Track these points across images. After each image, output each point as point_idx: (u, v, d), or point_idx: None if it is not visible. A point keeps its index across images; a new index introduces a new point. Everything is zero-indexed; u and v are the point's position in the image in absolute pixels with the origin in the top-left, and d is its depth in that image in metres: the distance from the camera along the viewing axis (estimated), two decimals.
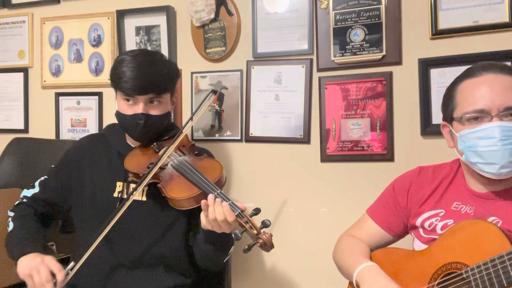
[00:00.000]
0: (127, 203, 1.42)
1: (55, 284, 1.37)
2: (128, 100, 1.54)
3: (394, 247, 1.43)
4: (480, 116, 1.19)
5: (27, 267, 1.39)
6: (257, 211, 1.30)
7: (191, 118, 1.56)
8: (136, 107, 1.53)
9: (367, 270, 1.28)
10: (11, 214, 1.59)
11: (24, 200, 1.62)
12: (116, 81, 1.54)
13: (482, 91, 1.20)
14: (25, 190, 1.65)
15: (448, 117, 1.29)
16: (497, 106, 1.18)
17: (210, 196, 1.32)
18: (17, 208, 1.61)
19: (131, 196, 1.44)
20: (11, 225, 1.55)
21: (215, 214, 1.30)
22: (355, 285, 1.30)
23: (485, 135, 1.18)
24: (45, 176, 1.66)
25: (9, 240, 1.53)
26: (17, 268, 1.43)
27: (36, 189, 1.63)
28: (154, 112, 1.55)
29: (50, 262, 1.39)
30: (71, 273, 1.40)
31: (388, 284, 1.22)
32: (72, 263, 1.41)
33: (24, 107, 2.49)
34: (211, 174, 1.45)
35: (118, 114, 1.58)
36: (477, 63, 1.28)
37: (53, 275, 1.37)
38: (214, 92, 1.65)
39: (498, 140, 1.16)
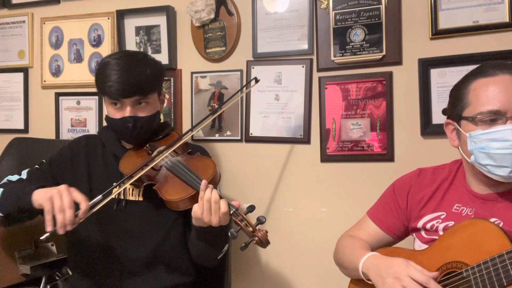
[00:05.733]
0: (109, 197, 1.41)
1: (76, 215, 1.27)
2: (115, 104, 1.53)
3: (395, 247, 1.43)
4: (495, 117, 1.17)
5: (47, 193, 1.30)
6: (251, 208, 1.30)
7: (219, 108, 1.59)
8: (124, 111, 1.52)
9: (370, 260, 1.29)
10: None
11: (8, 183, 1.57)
12: (101, 86, 1.53)
13: (497, 91, 1.17)
14: (9, 176, 1.60)
15: (456, 115, 1.26)
16: None
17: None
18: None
19: (113, 189, 1.42)
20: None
21: (210, 194, 1.31)
22: (363, 277, 1.30)
23: (499, 137, 1.15)
24: (36, 166, 1.63)
25: (9, 193, 1.44)
26: (32, 197, 1.34)
27: (23, 176, 1.59)
28: (142, 113, 1.54)
29: (75, 191, 1.32)
30: (96, 208, 1.32)
31: (393, 262, 1.22)
32: (99, 197, 1.34)
33: (24, 107, 2.48)
34: (204, 173, 1.44)
35: (108, 119, 1.58)
36: (489, 62, 1.25)
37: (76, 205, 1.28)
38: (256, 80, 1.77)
39: None
